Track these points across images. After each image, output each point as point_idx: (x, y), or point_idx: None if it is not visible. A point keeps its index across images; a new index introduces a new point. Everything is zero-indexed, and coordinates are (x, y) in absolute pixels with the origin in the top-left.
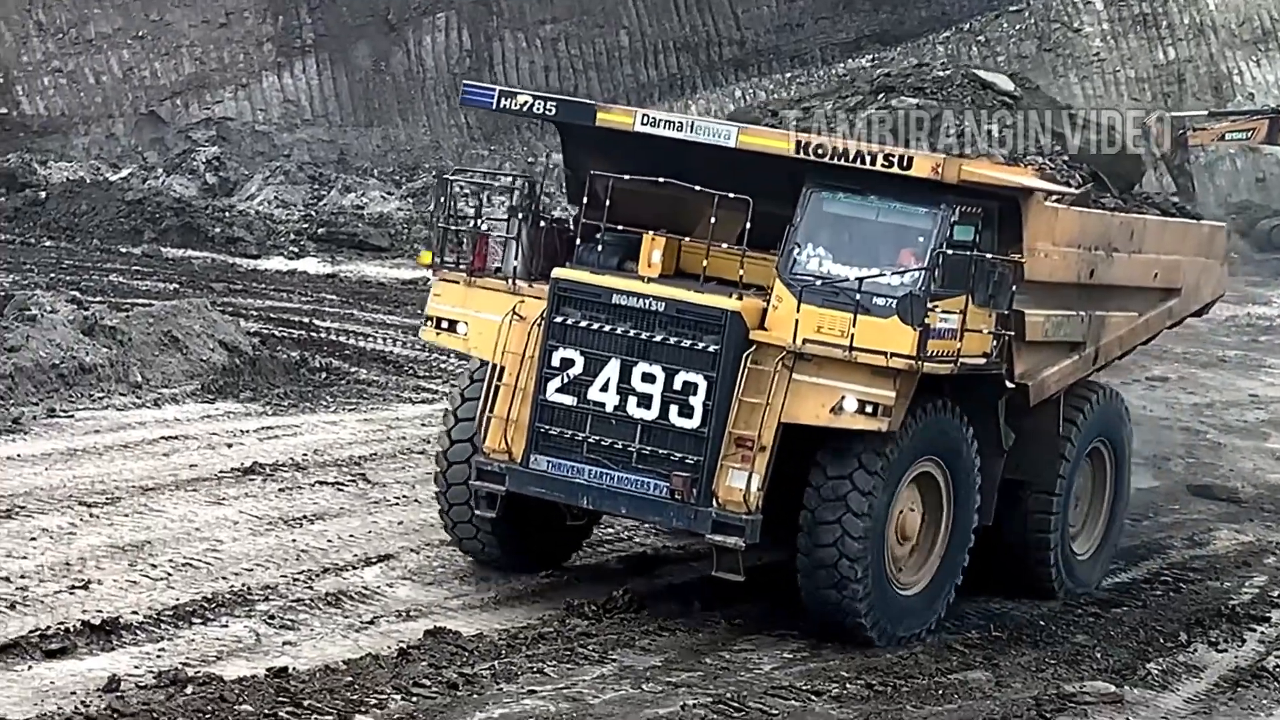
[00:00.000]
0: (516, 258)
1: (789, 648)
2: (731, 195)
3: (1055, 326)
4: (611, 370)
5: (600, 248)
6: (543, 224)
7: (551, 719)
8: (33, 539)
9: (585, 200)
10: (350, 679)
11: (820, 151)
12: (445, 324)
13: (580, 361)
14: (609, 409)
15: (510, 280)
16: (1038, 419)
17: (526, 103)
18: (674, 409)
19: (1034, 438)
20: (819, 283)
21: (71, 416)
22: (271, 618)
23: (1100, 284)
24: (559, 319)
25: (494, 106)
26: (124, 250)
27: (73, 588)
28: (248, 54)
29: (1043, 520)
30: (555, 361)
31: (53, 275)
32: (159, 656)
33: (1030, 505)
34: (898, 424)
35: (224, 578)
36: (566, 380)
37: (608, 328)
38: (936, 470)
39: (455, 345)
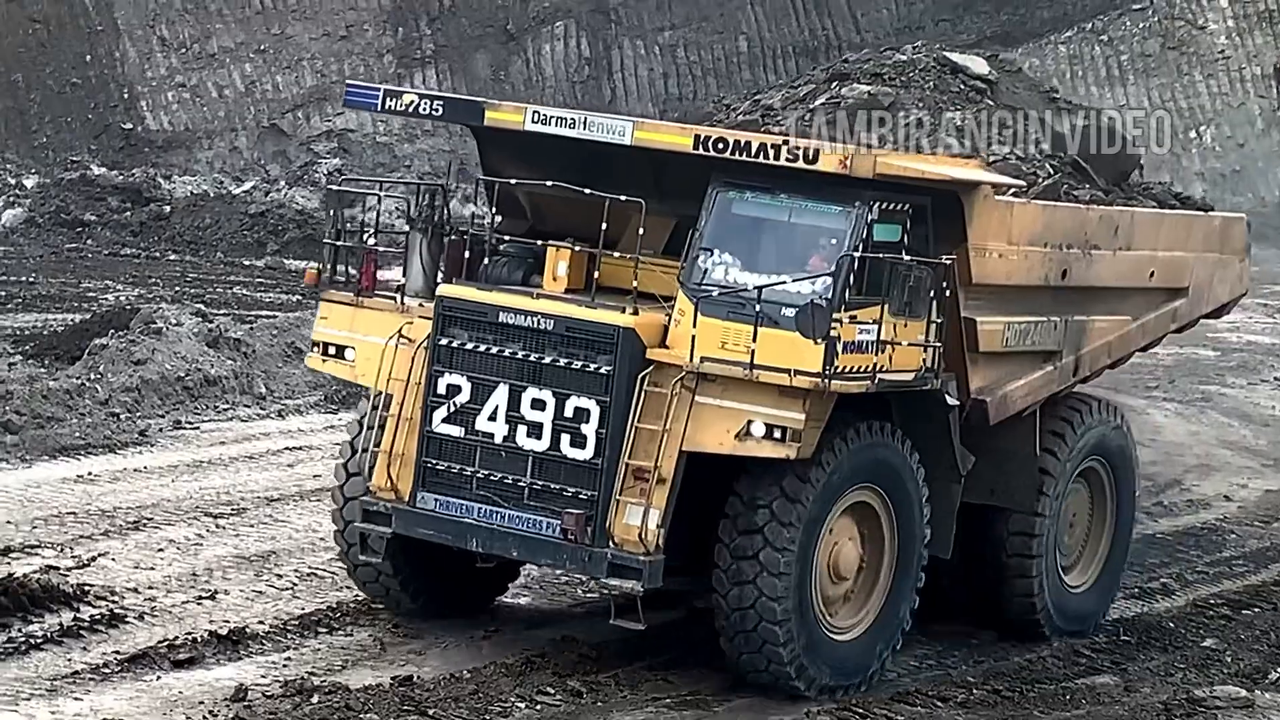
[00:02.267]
0: (411, 274)
1: (914, 653)
2: (624, 198)
3: (1019, 335)
4: (500, 397)
5: (505, 261)
6: (449, 236)
7: None
8: (160, 550)
9: (495, 208)
10: (475, 687)
11: (720, 146)
12: (333, 350)
13: (467, 388)
14: (498, 440)
15: (398, 299)
16: (1010, 438)
17: (412, 102)
18: (565, 438)
19: (1008, 459)
20: (717, 293)
21: (197, 428)
22: (396, 626)
23: (1078, 285)
24: (444, 341)
25: (379, 108)
26: (247, 263)
27: (200, 598)
28: (368, 65)
29: (1023, 549)
30: (441, 389)
31: (178, 289)
32: (285, 666)
33: (1007, 534)
34: (809, 450)
35: (348, 587)
36: (453, 409)
37: (494, 349)
38: (875, 499)
39: (342, 373)
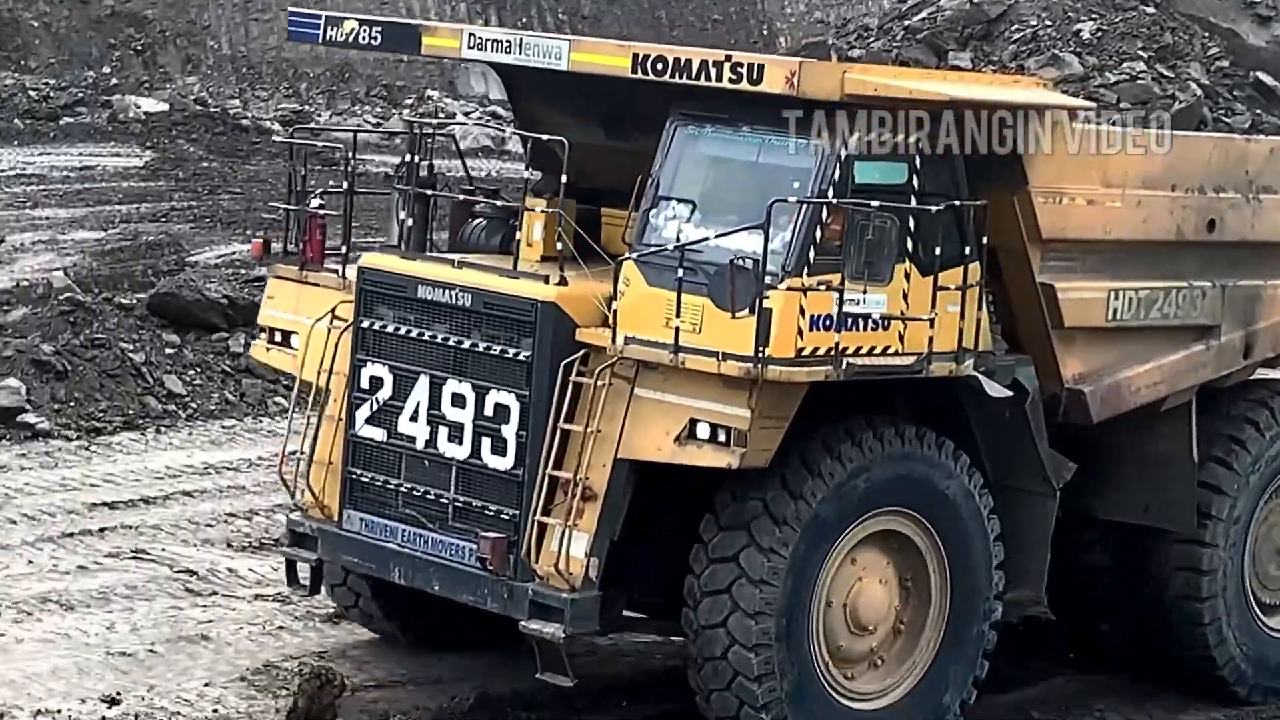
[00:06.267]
0: (401, 238)
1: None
2: (545, 138)
3: (1137, 305)
4: (421, 392)
5: (484, 223)
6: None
7: None
8: None
9: (530, 162)
10: None
11: (659, 67)
12: (279, 336)
13: (389, 381)
14: (419, 446)
15: (341, 271)
16: (1157, 440)
17: (352, 31)
18: (486, 443)
19: (1160, 467)
20: (638, 255)
21: None
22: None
23: (1239, 240)
24: (366, 323)
25: (321, 40)
26: None
27: None
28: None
29: (1190, 584)
30: (364, 382)
31: None
32: None
33: (1169, 564)
34: (761, 457)
35: None
36: (376, 407)
37: (414, 333)
38: (912, 527)
39: (285, 365)
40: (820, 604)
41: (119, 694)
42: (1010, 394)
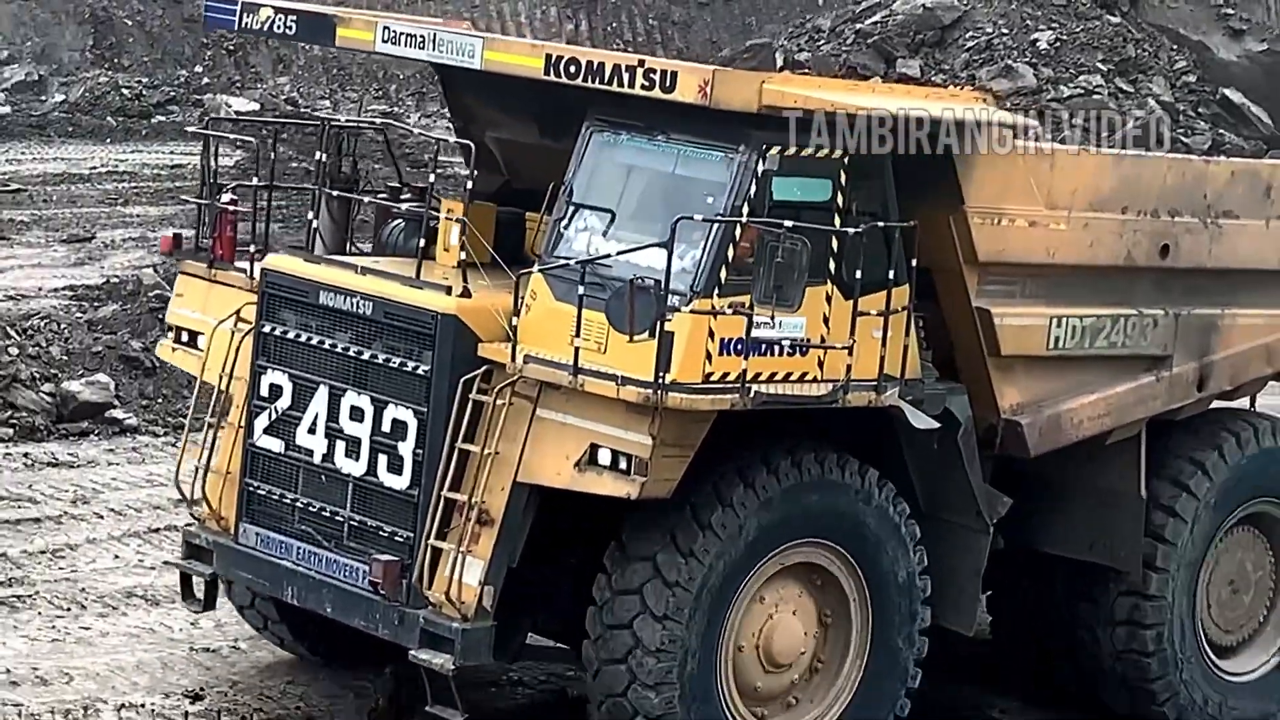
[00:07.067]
0: (314, 239)
1: None
2: (452, 140)
3: (1080, 333)
4: (320, 403)
5: (403, 224)
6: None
7: None
8: None
9: (469, 161)
10: None
11: (572, 69)
12: (185, 336)
13: (289, 389)
14: (317, 459)
15: (249, 271)
16: (1104, 474)
17: (268, 19)
18: (383, 460)
19: (1107, 501)
20: (537, 269)
21: None
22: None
23: (1194, 267)
24: (267, 328)
25: (236, 27)
26: None
27: None
28: None
29: (1136, 632)
30: (264, 389)
31: None
32: None
33: (1115, 608)
34: (662, 487)
35: None
36: (274, 416)
37: (315, 340)
38: (831, 559)
39: (190, 366)
40: (730, 641)
41: (202, 689)
42: (937, 425)
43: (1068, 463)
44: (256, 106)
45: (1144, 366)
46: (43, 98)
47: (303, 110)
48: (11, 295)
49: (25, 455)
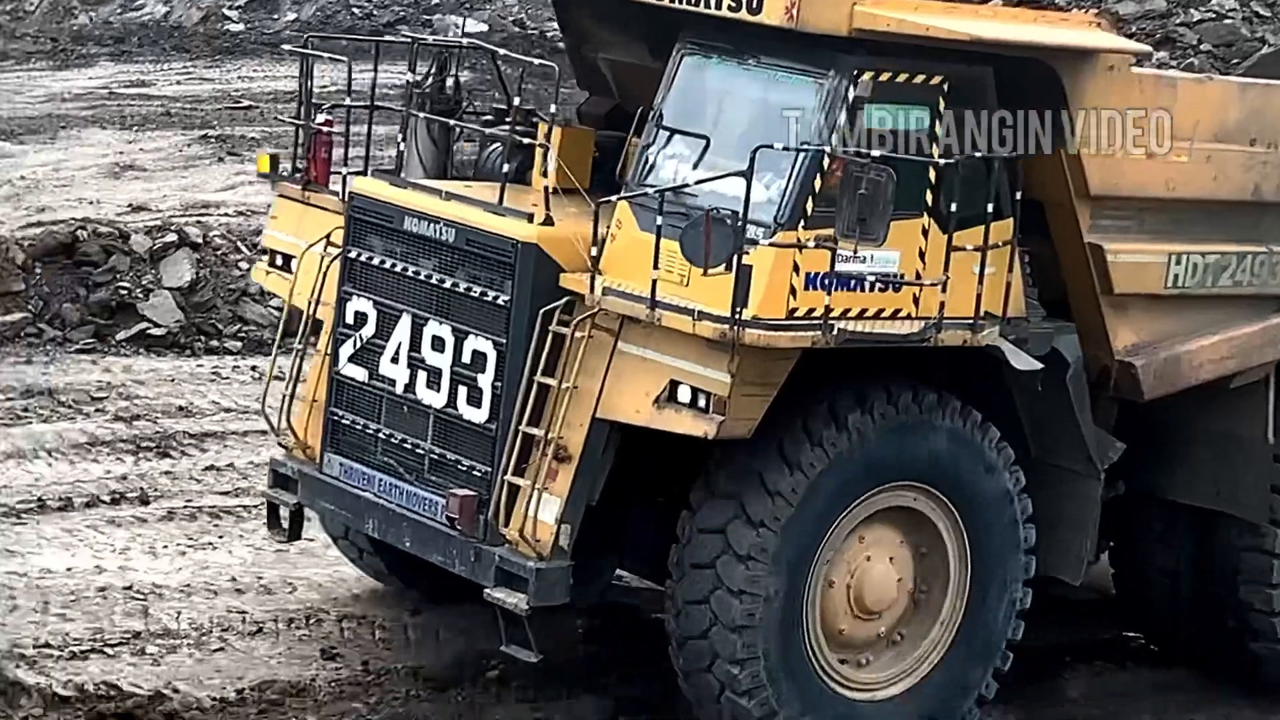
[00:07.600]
0: (410, 164)
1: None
2: (536, 61)
3: (1202, 271)
4: (403, 332)
5: (500, 149)
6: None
7: None
8: None
9: (580, 83)
10: None
11: None
12: (280, 259)
13: (373, 317)
14: (399, 389)
15: (342, 194)
16: (1225, 418)
17: None
18: (463, 392)
19: (1232, 448)
20: (615, 198)
21: None
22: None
23: None
24: (354, 253)
25: None
26: None
27: None
28: None
29: (1257, 575)
30: (349, 316)
31: None
32: None
33: (1233, 554)
34: (742, 427)
35: None
36: (359, 345)
37: (399, 266)
38: (928, 504)
39: (281, 290)
40: (819, 585)
41: (419, 607)
42: (1039, 366)
43: (1187, 407)
44: (485, 28)
45: (1274, 307)
46: (275, 16)
47: (529, 31)
48: (242, 211)
49: (253, 369)
